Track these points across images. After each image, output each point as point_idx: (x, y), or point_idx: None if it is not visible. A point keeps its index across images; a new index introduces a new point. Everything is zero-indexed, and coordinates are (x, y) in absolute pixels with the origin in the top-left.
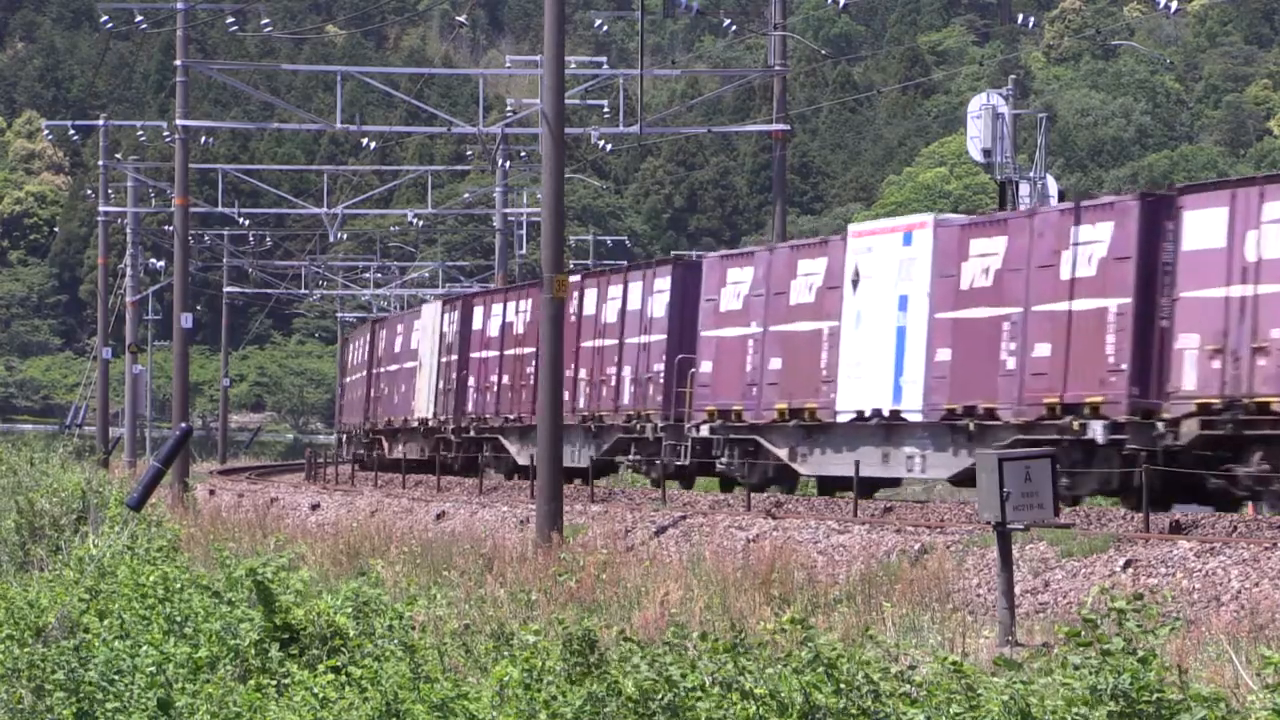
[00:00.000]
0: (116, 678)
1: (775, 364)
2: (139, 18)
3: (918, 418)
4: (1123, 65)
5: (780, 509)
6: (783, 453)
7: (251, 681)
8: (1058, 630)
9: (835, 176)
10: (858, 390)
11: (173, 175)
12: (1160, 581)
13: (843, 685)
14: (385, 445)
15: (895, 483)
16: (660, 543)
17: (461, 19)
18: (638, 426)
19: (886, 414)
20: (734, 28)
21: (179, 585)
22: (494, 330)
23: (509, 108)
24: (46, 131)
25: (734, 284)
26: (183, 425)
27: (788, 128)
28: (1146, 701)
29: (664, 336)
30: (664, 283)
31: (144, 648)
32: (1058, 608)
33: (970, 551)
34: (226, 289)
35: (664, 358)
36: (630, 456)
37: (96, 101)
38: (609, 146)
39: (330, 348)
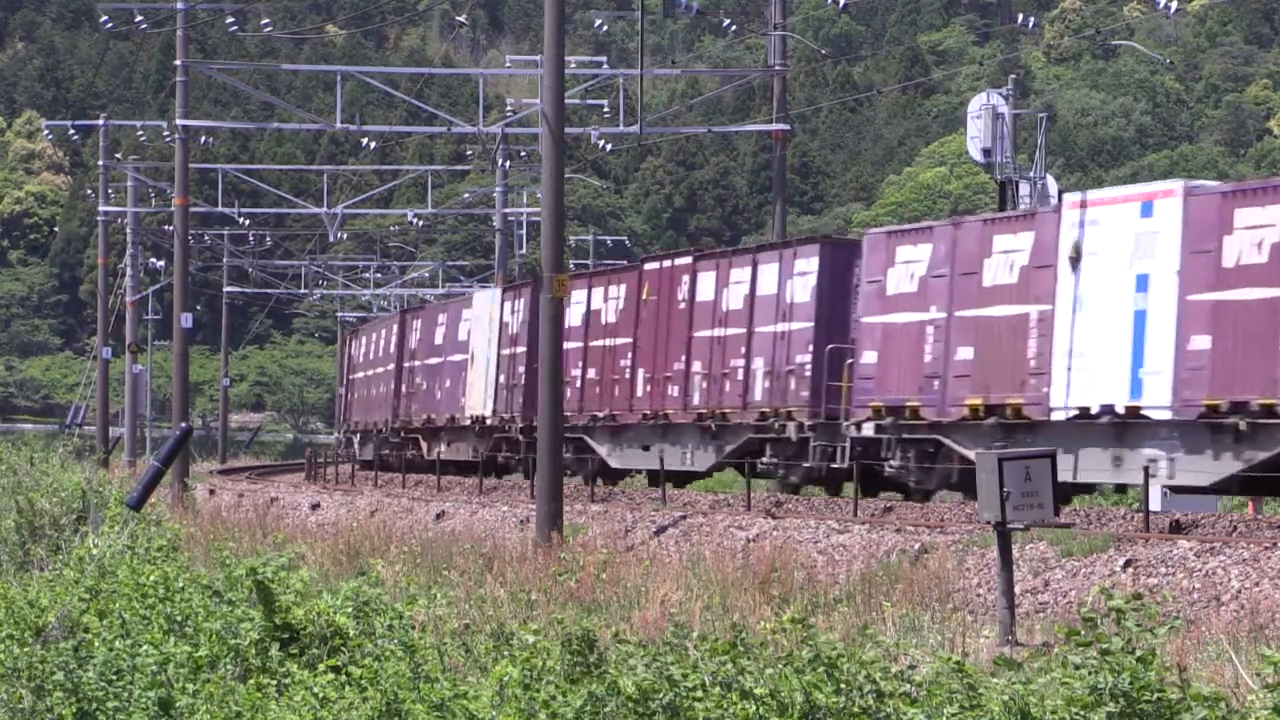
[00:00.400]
0: (116, 678)
1: (965, 353)
2: (139, 18)
3: (1165, 415)
4: (1123, 65)
5: (780, 509)
6: (974, 454)
7: (252, 681)
8: (1057, 630)
9: (835, 176)
10: (1079, 383)
11: (173, 175)
12: (1160, 581)
13: (843, 685)
14: (424, 445)
15: (1120, 489)
16: (660, 543)
17: (461, 19)
18: (775, 425)
19: (1121, 410)
20: (734, 28)
21: (179, 585)
22: (574, 319)
23: (509, 108)
24: (46, 131)
25: (906, 263)
26: (183, 425)
27: (788, 128)
28: (1147, 701)
29: (810, 324)
30: (808, 264)
31: (144, 647)
32: (1058, 608)
33: (970, 551)
34: (226, 289)
35: (810, 348)
36: (765, 459)
37: (96, 101)
38: (609, 146)
39: (330, 348)
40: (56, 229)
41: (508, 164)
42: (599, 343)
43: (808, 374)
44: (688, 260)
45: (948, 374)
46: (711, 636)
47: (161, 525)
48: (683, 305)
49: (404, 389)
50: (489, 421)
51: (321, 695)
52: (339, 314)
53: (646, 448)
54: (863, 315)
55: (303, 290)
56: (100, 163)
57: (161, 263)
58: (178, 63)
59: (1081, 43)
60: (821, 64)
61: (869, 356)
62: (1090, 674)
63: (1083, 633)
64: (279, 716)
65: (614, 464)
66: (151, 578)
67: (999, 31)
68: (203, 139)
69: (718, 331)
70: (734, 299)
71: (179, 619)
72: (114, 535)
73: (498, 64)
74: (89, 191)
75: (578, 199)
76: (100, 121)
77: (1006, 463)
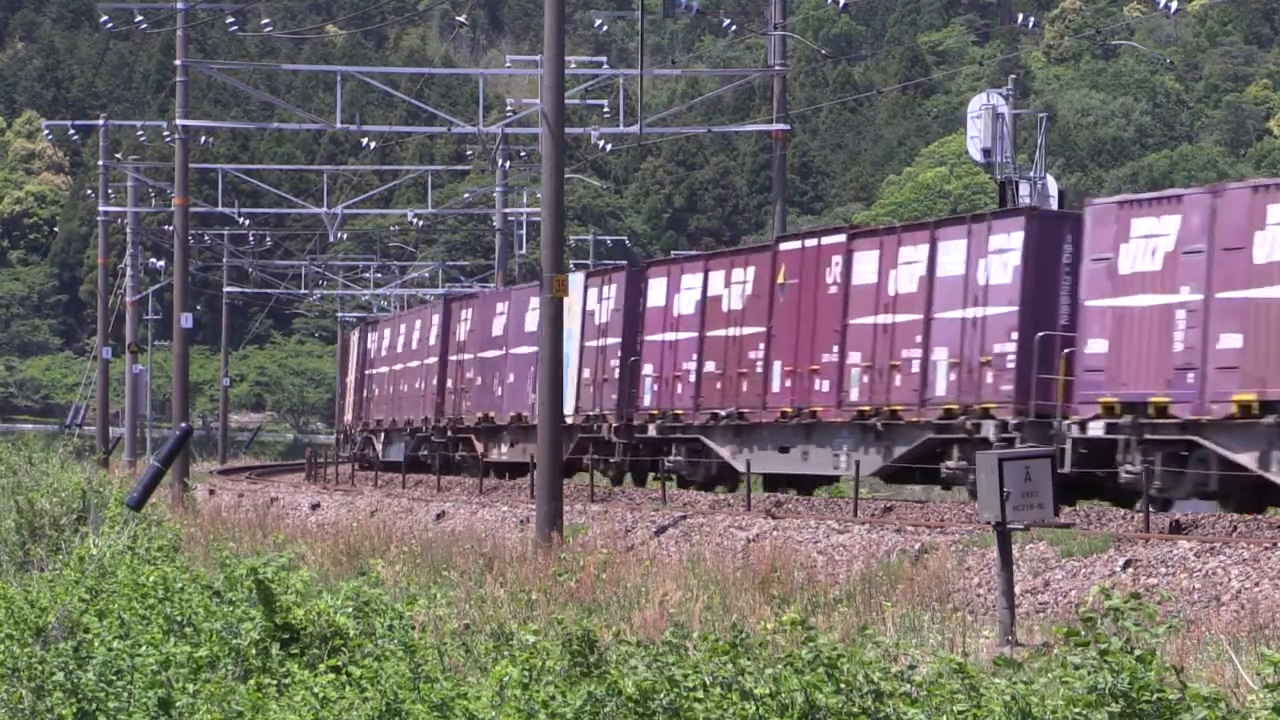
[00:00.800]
0: (116, 678)
1: (1230, 341)
2: (139, 18)
3: None
4: (1123, 65)
5: (780, 509)
6: (1244, 458)
7: (252, 681)
8: (1056, 630)
9: (835, 176)
10: None
11: (173, 175)
12: (1160, 581)
13: (843, 685)
14: (479, 445)
15: None
16: (660, 543)
17: (461, 19)
18: (966, 424)
19: None
20: (734, 28)
21: (179, 585)
22: (685, 307)
23: (509, 108)
24: (46, 131)
25: (1145, 238)
26: (183, 425)
27: (788, 128)
28: (1146, 701)
29: (1013, 308)
30: (1008, 239)
31: (144, 648)
32: (1058, 608)
33: (970, 551)
34: (226, 289)
35: (1014, 335)
36: (952, 462)
37: (96, 101)
38: (609, 146)
39: (330, 347)
40: (56, 229)
41: (508, 164)
42: (719, 333)
43: (1010, 365)
44: (839, 239)
45: (1207, 365)
46: (711, 636)
47: (162, 525)
48: (834, 289)
49: (451, 384)
50: (570, 420)
51: (322, 695)
52: (339, 314)
53: (784, 449)
54: (1087, 298)
55: (303, 290)
56: (100, 163)
57: (161, 263)
58: (178, 63)
59: (1081, 43)
60: (821, 64)
61: (1096, 345)
62: (1090, 674)
63: (1082, 633)
64: (279, 716)
65: (741, 467)
66: (151, 578)
67: (999, 31)
68: (203, 139)
69: (883, 318)
70: (905, 281)
71: (179, 619)
72: (114, 535)
73: (498, 64)
74: (89, 191)
75: (578, 199)
76: (100, 121)
77: (1006, 463)
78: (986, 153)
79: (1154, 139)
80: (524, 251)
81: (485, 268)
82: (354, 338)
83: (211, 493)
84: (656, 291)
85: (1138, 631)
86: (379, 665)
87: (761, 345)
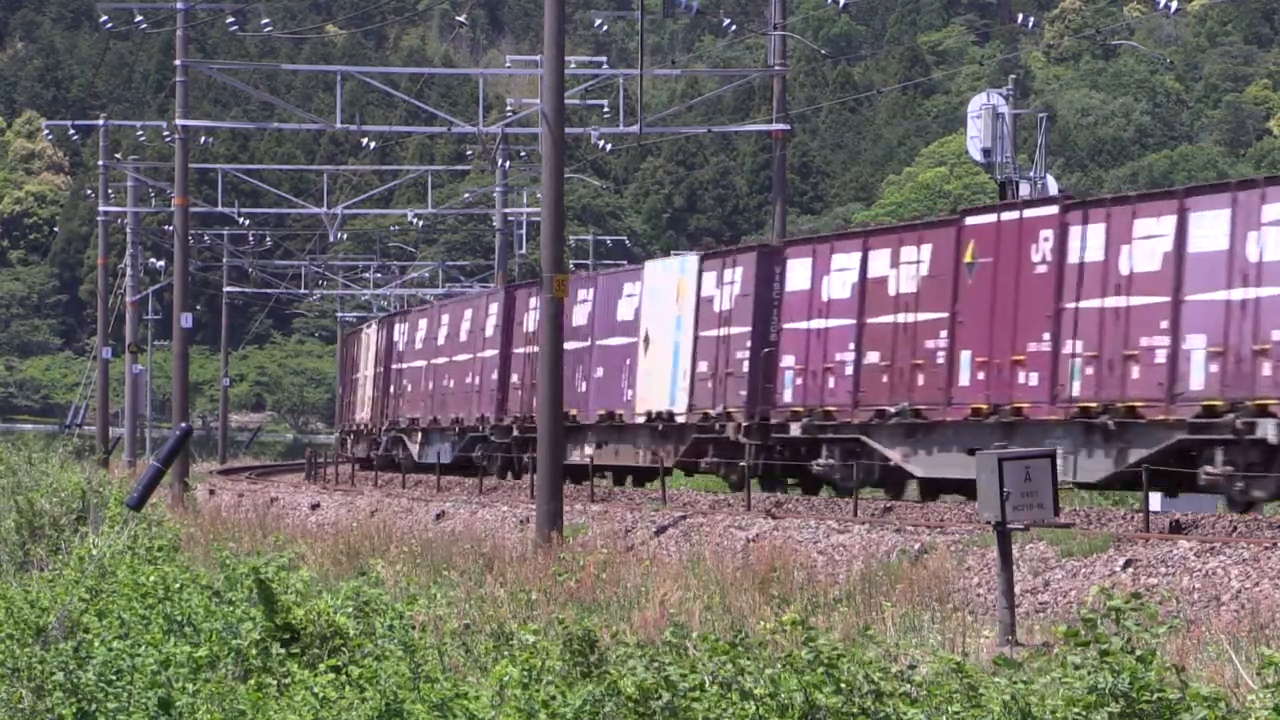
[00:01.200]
0: (116, 678)
1: None
2: (139, 18)
3: None
4: (1123, 65)
5: (780, 509)
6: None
7: (252, 681)
8: (1056, 630)
9: (835, 176)
10: None
11: (173, 175)
12: (1160, 581)
13: (843, 685)
14: None
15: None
16: (660, 543)
17: (461, 19)
18: (1235, 423)
19: None
20: (734, 28)
21: (179, 585)
22: (837, 290)
23: (509, 108)
24: (46, 131)
25: None
26: (183, 425)
27: (788, 127)
28: (1146, 701)
29: None
30: None
31: (144, 648)
32: (1058, 608)
33: (970, 551)
34: (226, 289)
35: None
36: (1213, 468)
37: (96, 101)
38: (609, 146)
39: (330, 347)
40: (56, 229)
41: (508, 164)
42: (885, 319)
43: None
44: (1050, 211)
45: None
46: (711, 636)
47: (162, 525)
48: (1042, 269)
49: (516, 379)
50: (680, 418)
51: (322, 695)
52: (339, 314)
53: (974, 451)
54: None
55: (303, 290)
56: (100, 163)
57: (161, 263)
58: (178, 63)
59: (1081, 43)
60: (821, 64)
61: None
62: (1090, 674)
63: (1082, 633)
64: (279, 716)
65: (918, 471)
66: (151, 578)
67: (999, 31)
68: (202, 139)
69: (1113, 301)
70: (1142, 258)
71: (179, 619)
72: (114, 535)
73: (498, 64)
74: (89, 191)
75: (578, 199)
76: (100, 121)
77: (1006, 463)
78: (986, 153)
79: (1154, 139)
80: (524, 251)
81: (485, 268)
82: (369, 331)
83: (211, 493)
84: (798, 274)
85: (1138, 631)
86: (379, 665)
87: (943, 333)
